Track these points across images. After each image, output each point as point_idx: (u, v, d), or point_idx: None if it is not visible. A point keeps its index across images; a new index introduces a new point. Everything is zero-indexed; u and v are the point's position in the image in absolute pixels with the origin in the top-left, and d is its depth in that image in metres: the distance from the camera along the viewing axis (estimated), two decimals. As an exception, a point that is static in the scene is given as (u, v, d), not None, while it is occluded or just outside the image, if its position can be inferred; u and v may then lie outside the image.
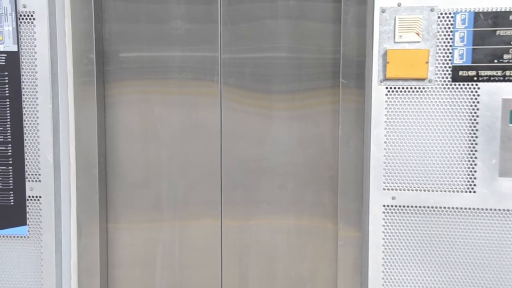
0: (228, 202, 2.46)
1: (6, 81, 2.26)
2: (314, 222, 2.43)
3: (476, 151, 2.10)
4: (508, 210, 2.11)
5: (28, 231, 2.33)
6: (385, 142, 2.15)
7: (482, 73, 2.07)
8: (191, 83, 2.42)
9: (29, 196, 2.31)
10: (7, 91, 2.26)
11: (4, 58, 2.24)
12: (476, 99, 2.08)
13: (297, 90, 2.37)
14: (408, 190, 2.16)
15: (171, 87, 2.43)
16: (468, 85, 2.08)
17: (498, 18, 2.04)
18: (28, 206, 2.31)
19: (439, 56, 2.09)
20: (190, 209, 2.48)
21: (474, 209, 2.13)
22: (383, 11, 2.10)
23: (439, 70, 2.10)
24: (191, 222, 2.49)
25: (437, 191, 2.14)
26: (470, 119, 2.10)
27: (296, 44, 2.35)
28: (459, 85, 2.09)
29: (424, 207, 2.16)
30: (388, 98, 2.13)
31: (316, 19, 2.32)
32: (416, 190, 2.16)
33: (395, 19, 2.09)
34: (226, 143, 2.43)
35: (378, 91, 2.13)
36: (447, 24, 2.07)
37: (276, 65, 2.36)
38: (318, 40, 2.33)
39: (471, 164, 2.11)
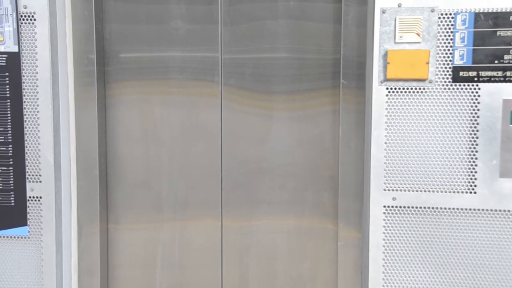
0: (228, 203, 2.46)
1: (7, 81, 2.26)
2: (315, 223, 2.43)
3: (476, 151, 2.10)
4: (509, 211, 2.10)
5: (29, 231, 2.33)
6: (385, 143, 2.15)
7: (482, 73, 2.06)
8: (192, 83, 2.42)
9: (30, 197, 2.31)
10: (7, 92, 2.26)
11: (4, 58, 2.25)
12: (476, 99, 2.08)
13: (297, 90, 2.37)
14: (409, 190, 2.16)
15: (172, 88, 2.43)
16: (468, 85, 2.08)
17: (498, 18, 2.04)
18: (28, 206, 2.31)
19: (440, 57, 2.08)
20: (191, 209, 2.48)
21: (474, 209, 2.13)
22: (383, 11, 2.10)
23: (439, 71, 2.09)
24: (192, 222, 2.49)
25: (437, 191, 2.14)
26: (471, 120, 2.10)
27: (297, 44, 2.35)
28: (460, 85, 2.09)
29: (424, 207, 2.16)
30: (389, 98, 2.13)
31: (316, 19, 2.32)
32: (417, 190, 2.15)
33: (395, 20, 2.09)
34: (227, 144, 2.43)
35: (378, 92, 2.13)
36: (448, 25, 2.07)
37: (277, 65, 2.36)
38: (319, 40, 2.33)
39: (471, 165, 2.11)
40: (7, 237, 2.34)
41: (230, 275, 2.50)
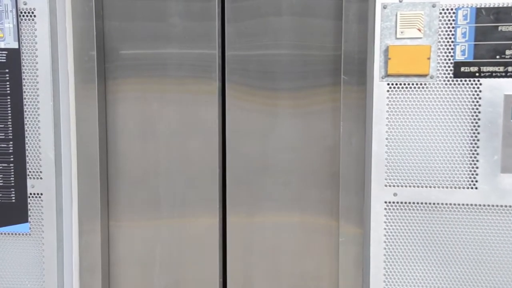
0: (232, 200, 2.45)
1: (7, 78, 2.25)
2: (317, 219, 2.42)
3: (478, 147, 2.10)
4: (510, 206, 2.10)
5: (30, 228, 2.33)
6: (386, 139, 2.15)
7: (484, 69, 2.06)
8: (194, 80, 2.41)
9: (31, 193, 2.31)
10: (8, 88, 2.26)
11: (4, 55, 2.24)
12: (478, 95, 2.08)
13: (299, 87, 2.36)
14: (410, 186, 2.16)
15: (174, 84, 2.42)
16: (470, 81, 2.08)
17: (500, 13, 2.03)
18: (29, 203, 2.31)
19: (441, 52, 2.08)
20: (193, 207, 2.47)
21: (475, 205, 2.13)
22: (384, 7, 2.09)
23: (440, 66, 2.09)
24: (194, 219, 2.49)
25: (438, 187, 2.14)
26: (472, 115, 2.09)
27: (298, 41, 2.34)
28: (461, 81, 2.09)
29: (425, 203, 2.16)
30: (390, 94, 2.13)
31: (317, 15, 2.31)
32: (418, 186, 2.15)
33: (396, 15, 2.09)
34: (230, 141, 2.42)
35: (379, 88, 2.13)
36: (449, 20, 2.06)
37: (279, 62, 2.35)
38: (320, 36, 2.32)
39: (473, 160, 2.11)
40: (8, 234, 2.34)
41: (232, 270, 2.50)
